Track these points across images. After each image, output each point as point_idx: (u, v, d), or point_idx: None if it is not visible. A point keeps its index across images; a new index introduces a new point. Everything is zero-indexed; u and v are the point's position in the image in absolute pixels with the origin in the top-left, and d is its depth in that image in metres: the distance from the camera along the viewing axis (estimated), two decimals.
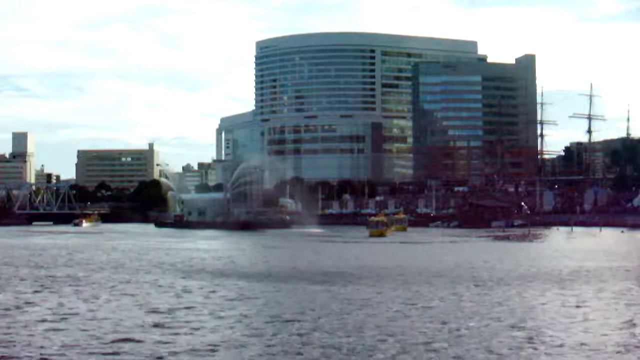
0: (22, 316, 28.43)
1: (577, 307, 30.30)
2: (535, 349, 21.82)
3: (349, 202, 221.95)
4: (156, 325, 25.88)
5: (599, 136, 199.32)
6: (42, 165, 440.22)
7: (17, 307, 30.81)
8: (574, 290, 36.58)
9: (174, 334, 24.17)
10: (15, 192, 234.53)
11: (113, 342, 22.83)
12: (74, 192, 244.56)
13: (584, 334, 24.00)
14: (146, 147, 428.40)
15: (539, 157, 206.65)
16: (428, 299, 33.28)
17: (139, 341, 22.95)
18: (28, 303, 32.19)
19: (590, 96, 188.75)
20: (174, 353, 21.39)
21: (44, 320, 27.15)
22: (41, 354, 21.31)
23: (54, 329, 25.25)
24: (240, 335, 24.12)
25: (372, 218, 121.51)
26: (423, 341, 22.77)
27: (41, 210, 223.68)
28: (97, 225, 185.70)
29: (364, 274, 45.65)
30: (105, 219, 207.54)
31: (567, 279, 41.87)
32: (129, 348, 21.96)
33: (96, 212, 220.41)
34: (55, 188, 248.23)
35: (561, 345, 22.18)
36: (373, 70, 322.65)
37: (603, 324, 25.99)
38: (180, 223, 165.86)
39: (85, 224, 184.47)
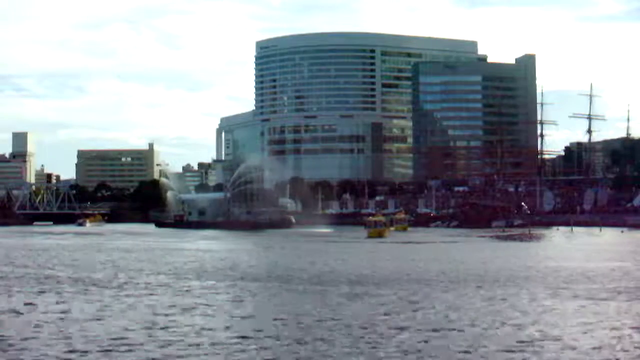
0: (25, 318, 28.41)
1: None
2: None
3: (349, 202, 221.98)
4: (158, 327, 25.87)
5: (599, 136, 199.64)
6: (42, 165, 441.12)
7: (20, 309, 30.77)
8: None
9: (176, 336, 24.16)
10: (15, 192, 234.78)
11: (114, 344, 22.81)
12: (74, 192, 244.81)
13: None
14: (146, 147, 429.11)
15: (539, 157, 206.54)
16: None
17: (140, 343, 22.92)
18: (30, 304, 32.16)
19: (590, 96, 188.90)
20: (176, 355, 21.42)
21: (46, 323, 27.11)
22: (42, 357, 21.32)
23: (56, 331, 25.23)
24: (244, 337, 24.13)
25: (370, 218, 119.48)
26: None
27: (41, 210, 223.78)
28: (101, 225, 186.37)
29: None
30: (106, 219, 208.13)
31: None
32: (130, 350, 21.94)
33: (96, 212, 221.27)
34: (55, 188, 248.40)
35: None
36: (373, 70, 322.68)
37: None
38: (181, 223, 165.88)
39: (88, 224, 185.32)
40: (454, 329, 25.12)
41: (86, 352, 21.82)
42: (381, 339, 23.44)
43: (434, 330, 25.00)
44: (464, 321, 26.73)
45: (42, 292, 37.25)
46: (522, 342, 22.93)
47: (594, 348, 22.10)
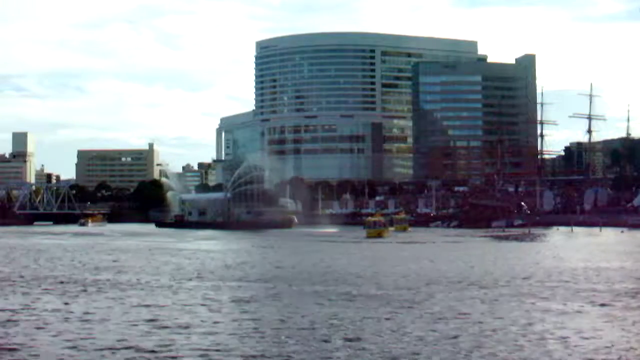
0: (26, 319, 28.40)
1: None
2: None
3: (349, 202, 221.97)
4: (160, 328, 25.87)
5: (599, 136, 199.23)
6: (42, 165, 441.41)
7: (21, 310, 30.76)
8: None
9: (178, 338, 24.16)
10: (15, 192, 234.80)
11: (116, 346, 22.80)
12: (74, 192, 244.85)
13: None
14: (146, 147, 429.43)
15: (539, 157, 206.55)
16: None
17: (142, 348, 22.89)
18: (31, 306, 32.16)
19: (590, 96, 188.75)
20: (176, 355, 21.43)
21: (47, 324, 27.11)
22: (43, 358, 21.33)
23: (58, 333, 25.23)
24: (243, 339, 24.14)
25: (369, 218, 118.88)
26: None
27: (41, 210, 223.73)
28: (103, 225, 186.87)
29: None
30: (106, 218, 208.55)
31: None
32: (131, 353, 21.93)
33: (97, 212, 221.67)
34: (55, 188, 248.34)
35: None
36: (373, 70, 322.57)
37: None
38: (181, 223, 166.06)
39: (90, 224, 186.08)
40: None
41: (87, 352, 21.84)
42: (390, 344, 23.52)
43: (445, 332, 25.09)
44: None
45: (44, 292, 37.28)
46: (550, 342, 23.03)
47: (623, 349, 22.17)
